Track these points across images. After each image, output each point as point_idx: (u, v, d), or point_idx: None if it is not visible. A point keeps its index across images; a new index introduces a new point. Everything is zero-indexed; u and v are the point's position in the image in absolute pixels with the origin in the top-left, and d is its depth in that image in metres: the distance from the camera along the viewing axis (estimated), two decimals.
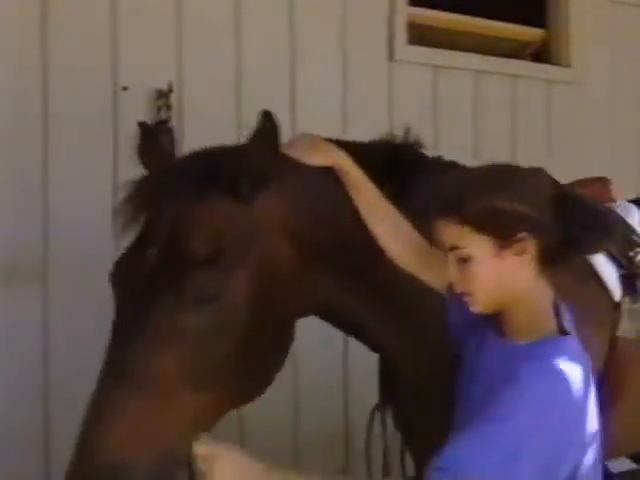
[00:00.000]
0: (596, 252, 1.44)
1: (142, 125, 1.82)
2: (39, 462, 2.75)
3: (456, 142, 3.59)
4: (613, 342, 1.97)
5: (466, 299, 1.44)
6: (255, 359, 1.58)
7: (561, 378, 1.32)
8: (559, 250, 1.41)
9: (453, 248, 1.42)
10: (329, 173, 1.72)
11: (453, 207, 1.40)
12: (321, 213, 1.70)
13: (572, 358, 1.36)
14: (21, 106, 2.79)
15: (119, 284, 1.60)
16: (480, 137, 3.85)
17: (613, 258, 2.03)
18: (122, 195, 1.63)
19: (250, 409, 1.69)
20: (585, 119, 4.22)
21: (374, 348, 1.91)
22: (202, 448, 1.39)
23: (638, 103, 4.48)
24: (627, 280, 2.02)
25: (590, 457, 1.36)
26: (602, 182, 2.37)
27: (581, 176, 2.48)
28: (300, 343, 1.76)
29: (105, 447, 1.41)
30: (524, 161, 2.58)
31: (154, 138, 1.81)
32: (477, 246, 1.39)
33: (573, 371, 1.34)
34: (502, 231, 1.38)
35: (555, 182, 1.54)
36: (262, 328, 1.57)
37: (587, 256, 1.99)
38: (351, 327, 1.88)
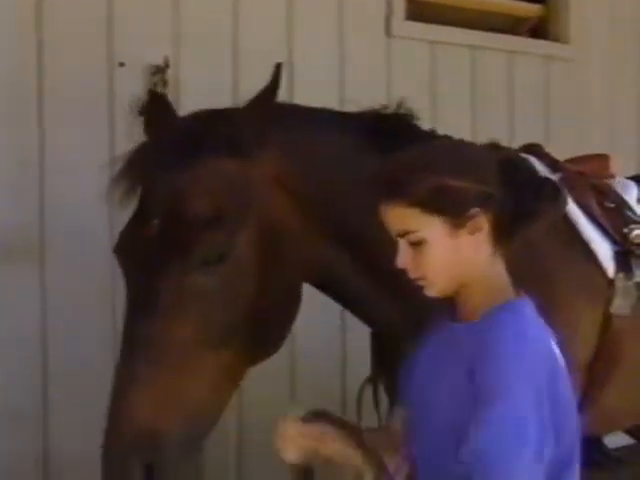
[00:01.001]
0: (547, 220, 1.41)
1: (152, 93, 1.82)
2: (37, 441, 2.75)
3: (454, 118, 3.58)
4: (607, 318, 1.97)
5: (420, 283, 1.39)
6: (267, 315, 1.60)
7: (527, 339, 1.31)
8: (512, 223, 1.37)
9: (404, 233, 1.36)
10: (331, 132, 1.72)
11: (399, 190, 1.34)
12: (320, 171, 1.70)
13: (529, 318, 1.35)
14: (17, 83, 2.77)
15: (125, 256, 1.61)
16: (477, 113, 3.84)
17: (607, 234, 2.03)
18: (116, 168, 1.63)
19: (248, 382, 1.70)
20: (584, 96, 4.20)
21: (370, 322, 1.91)
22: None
23: (637, 80, 4.47)
24: (621, 257, 2.02)
25: (568, 420, 1.35)
26: (601, 158, 2.37)
27: (580, 153, 2.48)
28: (298, 316, 1.77)
29: (137, 417, 1.46)
30: (522, 138, 2.59)
31: (165, 105, 1.80)
32: (429, 228, 1.34)
33: (534, 330, 1.34)
34: (453, 209, 1.33)
35: (503, 153, 1.50)
36: (270, 285, 1.59)
37: (581, 234, 2.00)
38: (348, 300, 1.87)
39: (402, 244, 1.37)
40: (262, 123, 1.59)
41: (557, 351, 1.37)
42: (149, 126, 1.77)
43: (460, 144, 1.45)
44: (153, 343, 1.48)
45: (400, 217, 1.35)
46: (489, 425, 1.25)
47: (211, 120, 1.64)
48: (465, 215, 1.34)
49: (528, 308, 1.38)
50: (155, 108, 1.80)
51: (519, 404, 1.25)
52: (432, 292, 1.40)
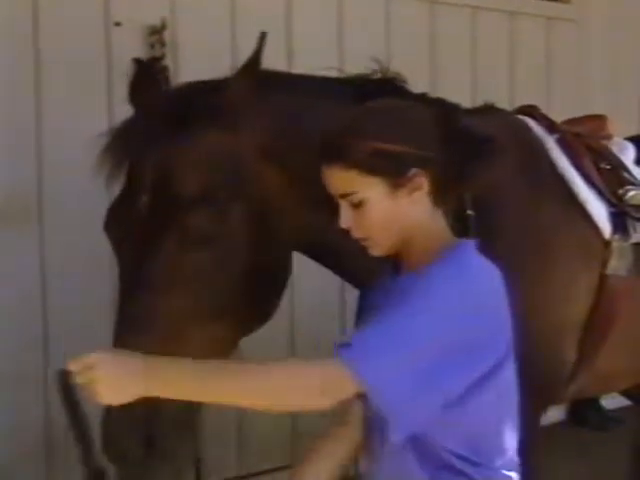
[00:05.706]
0: (484, 180, 1.46)
1: (137, 62, 1.79)
2: (38, 401, 2.79)
3: (453, 79, 3.56)
4: (603, 279, 1.97)
5: (365, 244, 1.43)
6: (259, 286, 1.60)
7: (470, 265, 1.36)
8: (451, 181, 1.40)
9: (345, 195, 1.39)
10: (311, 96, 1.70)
11: (337, 153, 1.37)
12: (306, 139, 1.65)
13: (473, 256, 1.39)
14: (12, 45, 2.75)
15: (116, 234, 1.61)
16: (478, 74, 3.82)
17: (602, 195, 2.03)
18: (103, 142, 1.61)
19: (247, 339, 1.71)
20: (584, 56, 4.18)
21: (357, 284, 1.90)
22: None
23: (637, 40, 4.43)
24: (617, 218, 2.02)
25: (509, 365, 1.38)
26: (599, 119, 2.36)
27: (580, 113, 2.48)
28: (298, 276, 1.79)
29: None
30: (523, 98, 2.58)
31: (150, 75, 1.78)
32: (369, 189, 1.37)
33: (478, 261, 1.38)
34: (392, 171, 1.36)
35: (443, 113, 1.49)
36: (261, 256, 1.59)
37: (577, 195, 2.00)
38: (337, 264, 1.86)
39: (344, 205, 1.41)
40: (247, 94, 1.58)
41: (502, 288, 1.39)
42: (134, 97, 1.74)
43: (397, 106, 1.46)
44: (148, 320, 1.49)
45: (340, 179, 1.38)
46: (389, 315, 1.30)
47: (197, 93, 1.63)
48: (404, 176, 1.37)
49: (471, 246, 1.41)
50: (140, 78, 1.77)
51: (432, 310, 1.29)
52: (377, 252, 1.44)
